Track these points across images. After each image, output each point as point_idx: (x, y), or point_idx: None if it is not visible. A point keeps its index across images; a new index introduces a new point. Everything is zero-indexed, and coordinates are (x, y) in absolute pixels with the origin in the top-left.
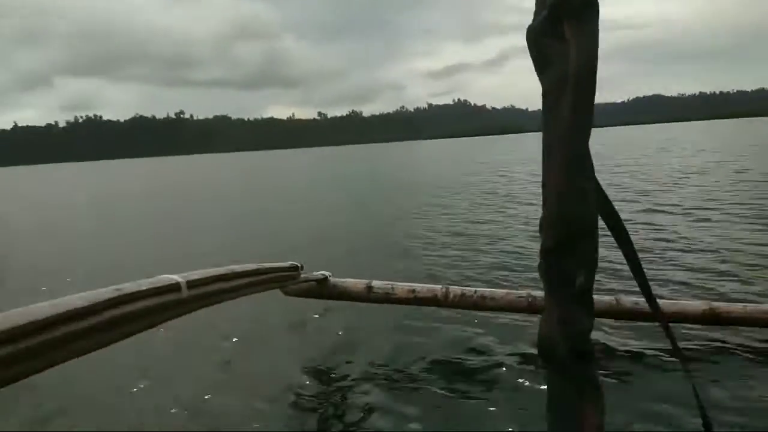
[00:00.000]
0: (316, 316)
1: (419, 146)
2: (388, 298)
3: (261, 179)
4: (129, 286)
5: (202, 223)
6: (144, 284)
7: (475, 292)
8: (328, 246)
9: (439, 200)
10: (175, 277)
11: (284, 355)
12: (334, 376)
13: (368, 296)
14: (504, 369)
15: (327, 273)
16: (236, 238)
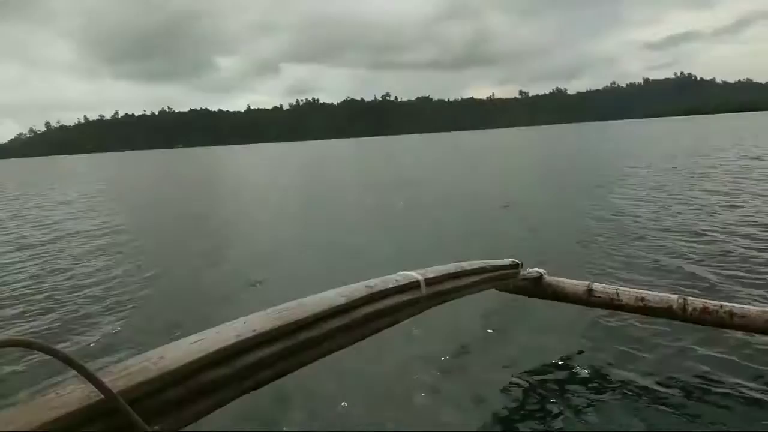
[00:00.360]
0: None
1: (637, 126)
2: (611, 304)
3: (466, 160)
4: (378, 284)
5: (415, 206)
6: (390, 281)
7: (721, 306)
8: (549, 241)
9: (720, 187)
10: (415, 275)
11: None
12: (544, 382)
13: (588, 299)
14: (757, 408)
15: (542, 270)
16: (451, 227)
